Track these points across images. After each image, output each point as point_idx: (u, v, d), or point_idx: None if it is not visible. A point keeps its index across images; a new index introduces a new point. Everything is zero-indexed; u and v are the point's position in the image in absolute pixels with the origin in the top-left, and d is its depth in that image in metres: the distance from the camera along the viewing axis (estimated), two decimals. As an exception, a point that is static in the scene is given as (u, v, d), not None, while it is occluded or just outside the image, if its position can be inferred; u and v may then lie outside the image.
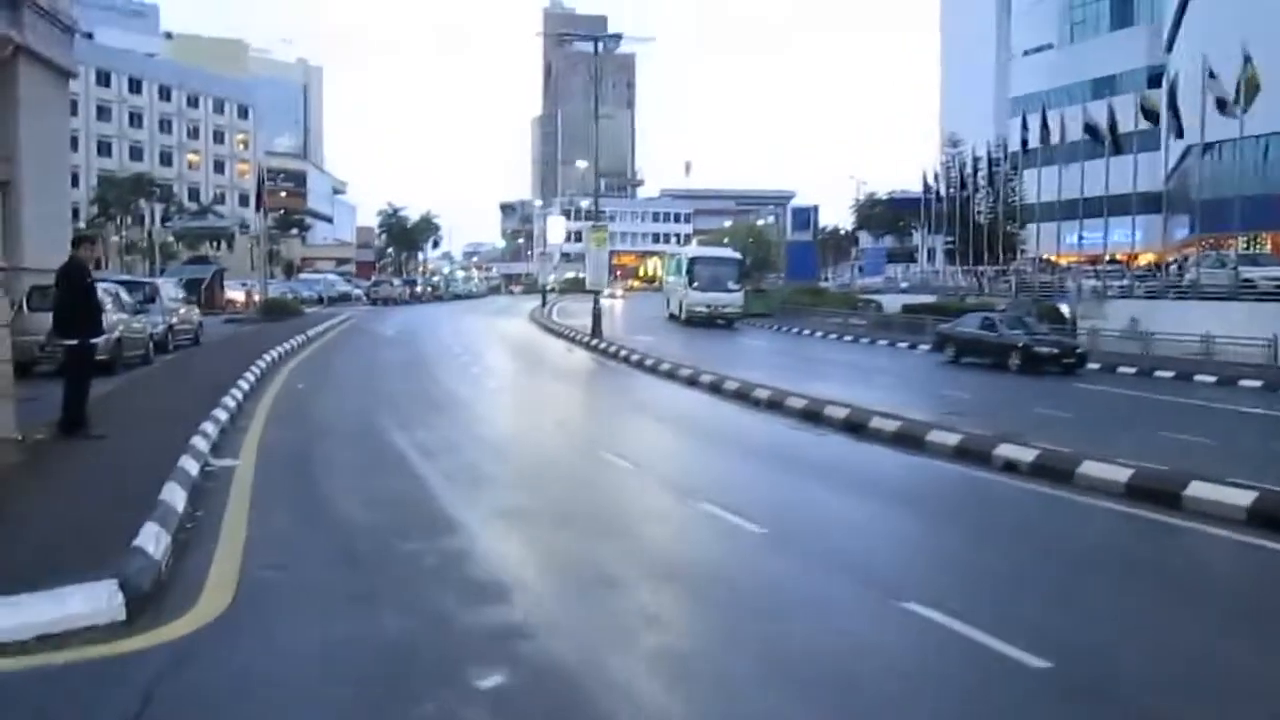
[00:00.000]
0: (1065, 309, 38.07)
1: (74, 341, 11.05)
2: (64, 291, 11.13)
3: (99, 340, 11.28)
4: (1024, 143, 61.94)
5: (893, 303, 51.88)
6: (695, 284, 43.51)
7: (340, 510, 8.46)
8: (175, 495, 7.85)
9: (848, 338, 38.57)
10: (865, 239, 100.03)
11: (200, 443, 10.44)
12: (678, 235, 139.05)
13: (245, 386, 16.86)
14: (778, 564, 7.39)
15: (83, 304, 11.17)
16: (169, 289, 26.14)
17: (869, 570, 7.25)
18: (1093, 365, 26.43)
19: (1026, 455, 11.44)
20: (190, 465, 9.17)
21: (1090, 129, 51.30)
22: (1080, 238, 57.04)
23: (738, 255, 49.38)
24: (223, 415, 12.96)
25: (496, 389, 20.05)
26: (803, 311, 48.31)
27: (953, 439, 12.71)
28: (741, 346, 34.55)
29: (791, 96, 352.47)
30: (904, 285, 69.88)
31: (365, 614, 5.87)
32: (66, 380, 11.15)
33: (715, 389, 19.30)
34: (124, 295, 20.44)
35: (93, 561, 5.90)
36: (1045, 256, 57.08)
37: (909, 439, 13.29)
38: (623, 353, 27.17)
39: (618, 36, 44.72)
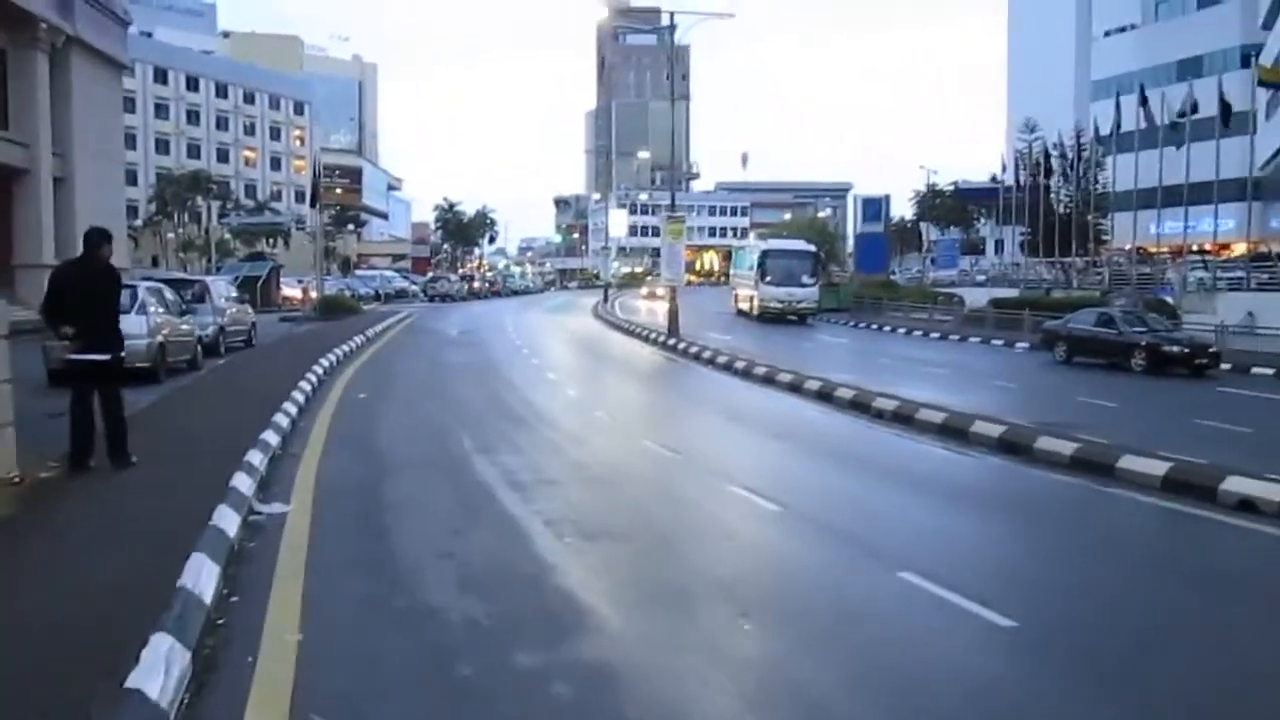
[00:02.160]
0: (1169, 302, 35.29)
1: (107, 356, 9.04)
2: (104, 298, 9.12)
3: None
4: (1117, 126, 58.62)
5: (972, 297, 49.24)
6: (768, 278, 41.46)
7: (426, 594, 6.20)
8: (203, 576, 5.71)
9: (934, 335, 36.16)
10: (928, 231, 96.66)
11: (243, 482, 8.34)
12: (734, 229, 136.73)
13: (300, 399, 14.85)
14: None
15: (115, 314, 9.20)
16: (221, 287, 24.30)
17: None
18: (1223, 365, 23.71)
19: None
20: (228, 521, 7.05)
21: (1182, 112, 48.19)
22: (1185, 226, 53.48)
23: (812, 248, 46.93)
24: (273, 439, 10.89)
25: (579, 399, 17.82)
26: (878, 306, 45.97)
27: (1158, 468, 10.28)
28: (826, 345, 32.17)
29: (848, 87, 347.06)
30: (980, 278, 66.98)
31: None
32: (107, 408, 9.14)
33: (823, 397, 17.04)
34: (168, 295, 18.55)
35: None
36: (1140, 247, 53.80)
37: (1092, 465, 10.90)
38: (705, 353, 24.92)
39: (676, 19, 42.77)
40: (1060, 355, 26.10)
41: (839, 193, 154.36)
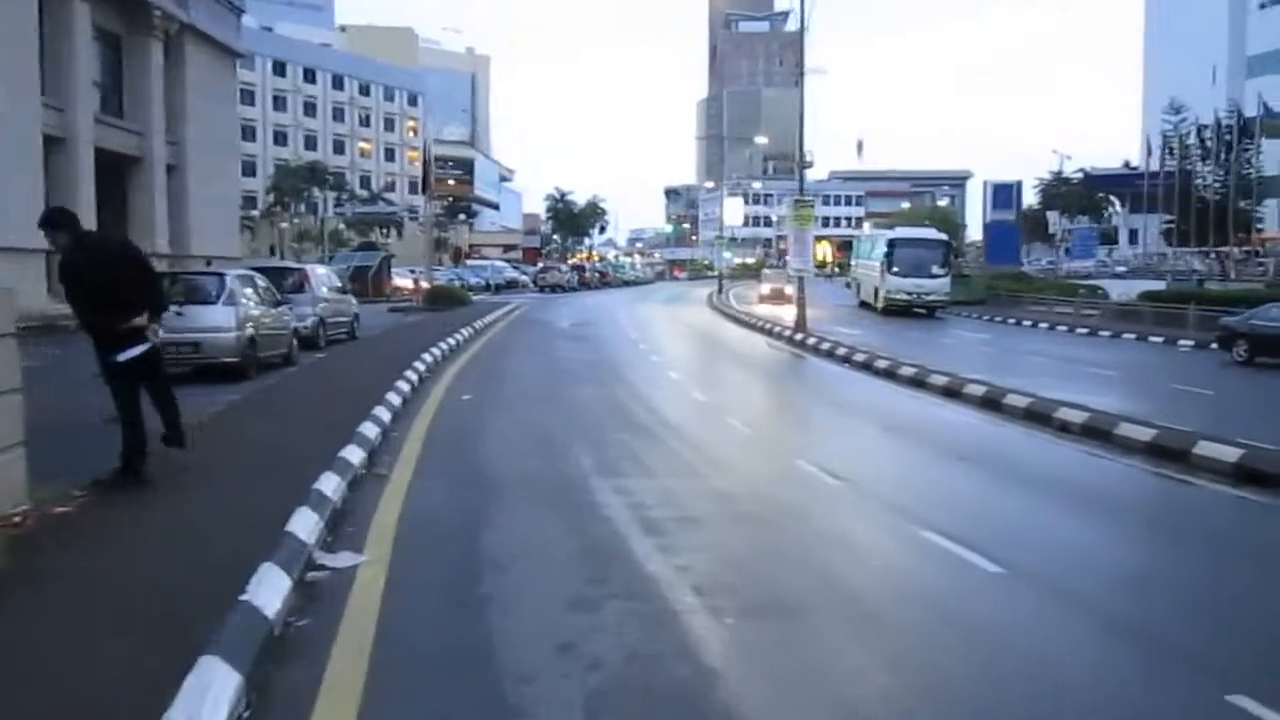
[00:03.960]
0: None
1: (142, 348, 7.39)
2: (129, 283, 7.45)
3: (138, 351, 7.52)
4: (1266, 106, 54.03)
5: (1114, 289, 45.63)
6: (895, 269, 38.86)
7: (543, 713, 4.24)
8: (210, 697, 3.80)
9: (1081, 330, 33.07)
10: (1053, 219, 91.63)
11: (305, 524, 6.45)
12: (849, 218, 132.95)
13: (397, 401, 13.10)
14: None
15: (143, 298, 7.50)
16: (321, 275, 22.91)
17: None
18: None
19: None
20: (270, 591, 5.14)
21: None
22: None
23: (943, 236, 43.93)
24: (356, 456, 9.06)
25: (708, 403, 15.67)
26: (1013, 299, 42.76)
27: None
28: (967, 342, 29.42)
29: (965, 72, 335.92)
30: (1120, 269, 62.62)
31: None
32: (159, 401, 7.79)
33: (989, 404, 14.60)
34: (260, 283, 17.10)
35: None
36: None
37: None
38: (839, 350, 22.55)
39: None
40: (1240, 354, 23.22)
41: (958, 181, 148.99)
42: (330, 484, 7.72)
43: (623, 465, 9.95)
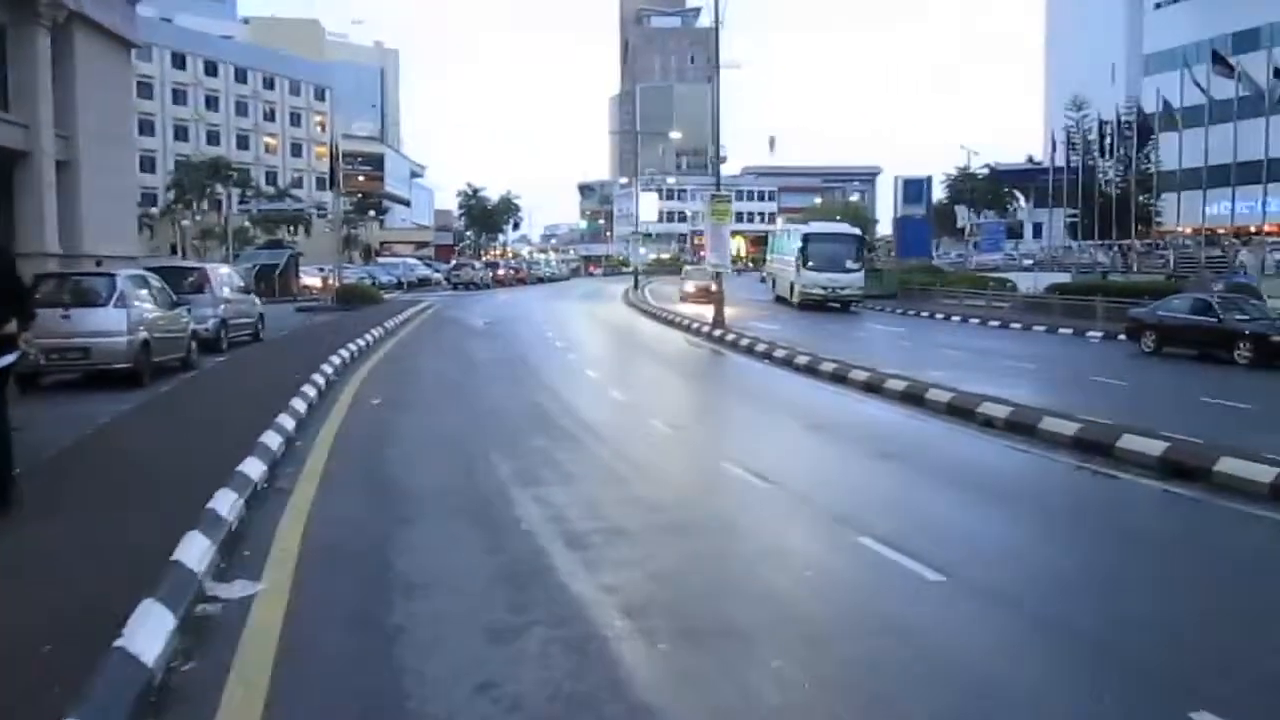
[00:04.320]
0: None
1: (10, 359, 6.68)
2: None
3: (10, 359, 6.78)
4: (1166, 102, 55.62)
5: (1022, 282, 46.56)
6: (810, 263, 38.99)
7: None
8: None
9: (993, 323, 33.58)
10: (962, 214, 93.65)
11: (196, 550, 5.86)
12: (762, 214, 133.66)
13: (302, 407, 12.42)
14: None
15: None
16: (223, 275, 21.92)
17: None
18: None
19: None
20: (149, 635, 4.58)
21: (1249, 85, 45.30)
22: (1233, 207, 50.30)
23: (857, 231, 44.25)
24: (257, 469, 8.43)
25: (628, 403, 15.25)
26: (925, 293, 43.32)
27: None
28: (882, 335, 29.56)
29: (873, 71, 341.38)
30: (1027, 263, 63.96)
31: None
32: None
33: (912, 399, 14.44)
34: (155, 284, 16.18)
35: None
36: (1209, 229, 50.69)
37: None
38: (759, 346, 22.33)
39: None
40: (1149, 345, 23.66)
41: (868, 176, 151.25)
42: (226, 503, 7.12)
43: (542, 473, 9.48)
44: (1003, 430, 12.36)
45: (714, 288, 33.55)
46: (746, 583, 6.31)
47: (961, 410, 13.55)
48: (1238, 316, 22.42)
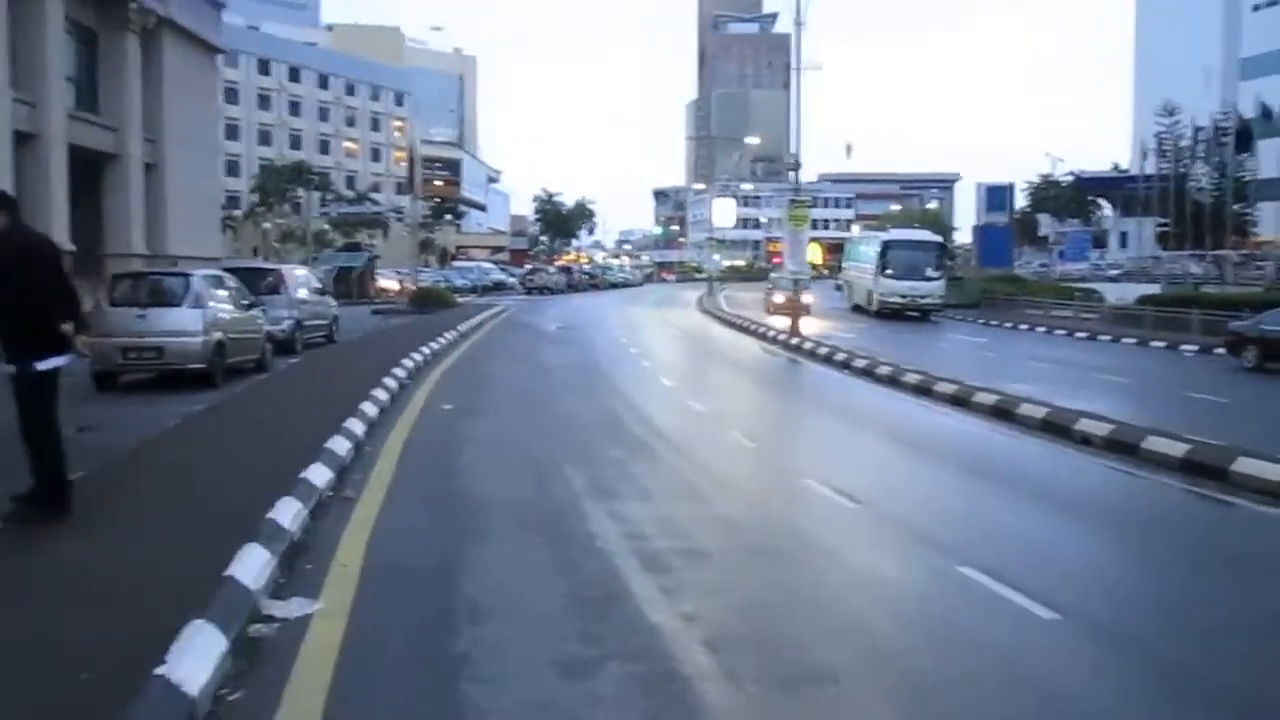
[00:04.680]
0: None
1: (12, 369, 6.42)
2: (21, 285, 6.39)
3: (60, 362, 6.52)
4: (1265, 107, 53.44)
5: (1109, 293, 44.97)
6: (889, 271, 38.17)
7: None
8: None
9: (1080, 335, 32.34)
10: (1044, 222, 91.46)
11: (253, 565, 5.53)
12: (838, 220, 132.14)
13: (373, 411, 12.18)
14: None
15: (34, 306, 6.43)
16: (299, 277, 21.95)
17: None
18: None
19: None
20: (207, 645, 4.25)
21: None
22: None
23: (938, 238, 43.30)
24: (322, 477, 8.13)
25: (706, 414, 14.73)
26: (1009, 302, 42.06)
27: None
28: (965, 346, 28.71)
29: (953, 77, 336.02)
30: (1114, 273, 62.00)
31: None
32: (31, 426, 6.51)
33: (1002, 414, 13.68)
34: (230, 284, 16.15)
35: None
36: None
37: None
38: (837, 356, 21.68)
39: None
40: (1250, 361, 22.43)
41: (946, 184, 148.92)
42: (289, 513, 6.80)
43: (618, 486, 9.04)
44: (1101, 449, 11.61)
45: (806, 300, 32.58)
46: (839, 617, 5.78)
47: (1056, 427, 12.80)
48: (1352, 333, 21.24)
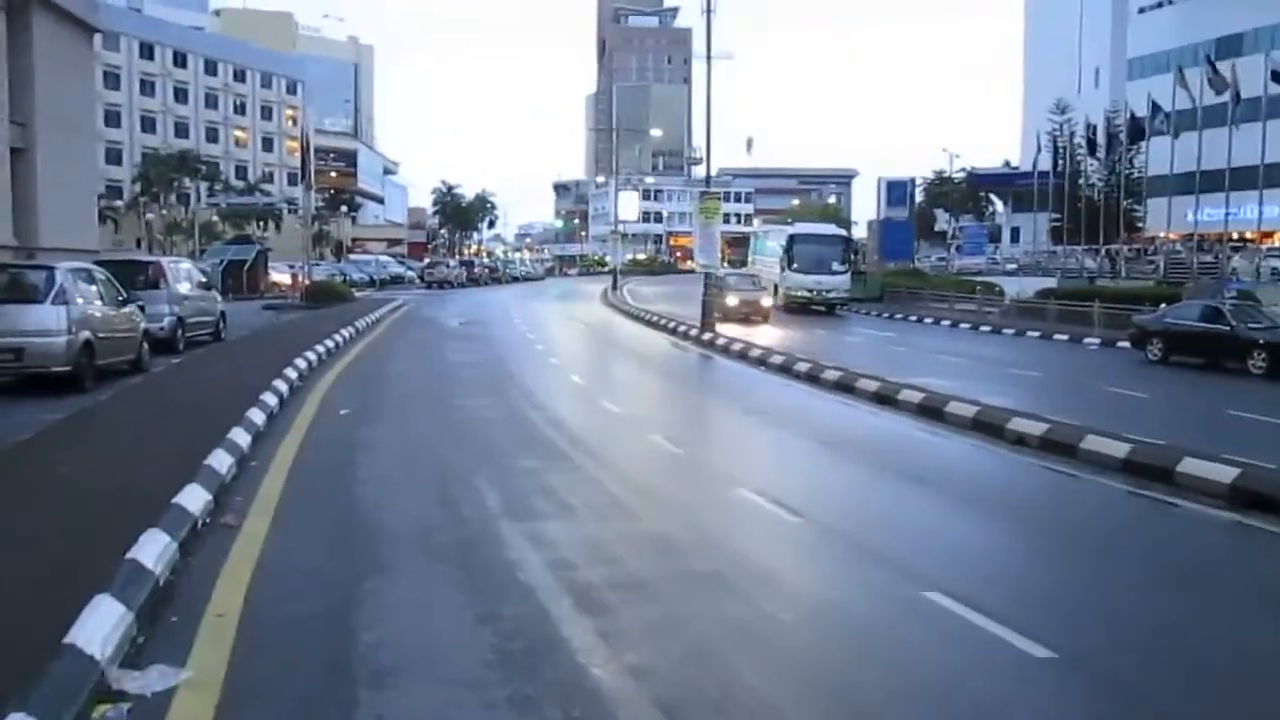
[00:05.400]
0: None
1: None
2: None
3: None
4: (1156, 106, 54.83)
5: (1007, 287, 45.67)
6: (795, 265, 37.96)
7: None
8: None
9: (984, 328, 32.53)
10: (940, 218, 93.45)
11: (103, 622, 4.51)
12: (738, 215, 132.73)
13: (260, 419, 11.03)
14: None
15: None
16: (181, 270, 20.42)
17: None
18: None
19: None
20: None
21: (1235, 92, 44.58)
22: (1227, 213, 49.69)
23: (844, 232, 43.32)
24: (198, 501, 7.05)
25: (622, 415, 13.90)
26: (912, 296, 42.28)
27: None
28: (874, 341, 28.46)
29: (849, 75, 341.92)
30: (1010, 267, 63.27)
31: None
32: None
33: (929, 413, 13.19)
34: (101, 279, 14.72)
35: None
36: (1202, 235, 50.07)
37: None
38: (752, 352, 21.09)
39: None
40: (1155, 353, 22.63)
41: (844, 179, 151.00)
42: (154, 550, 5.75)
43: (535, 503, 8.16)
44: (1038, 449, 11.17)
45: (766, 303, 31.54)
46: (810, 667, 5.00)
47: (988, 426, 12.36)
48: (1251, 325, 21.45)
